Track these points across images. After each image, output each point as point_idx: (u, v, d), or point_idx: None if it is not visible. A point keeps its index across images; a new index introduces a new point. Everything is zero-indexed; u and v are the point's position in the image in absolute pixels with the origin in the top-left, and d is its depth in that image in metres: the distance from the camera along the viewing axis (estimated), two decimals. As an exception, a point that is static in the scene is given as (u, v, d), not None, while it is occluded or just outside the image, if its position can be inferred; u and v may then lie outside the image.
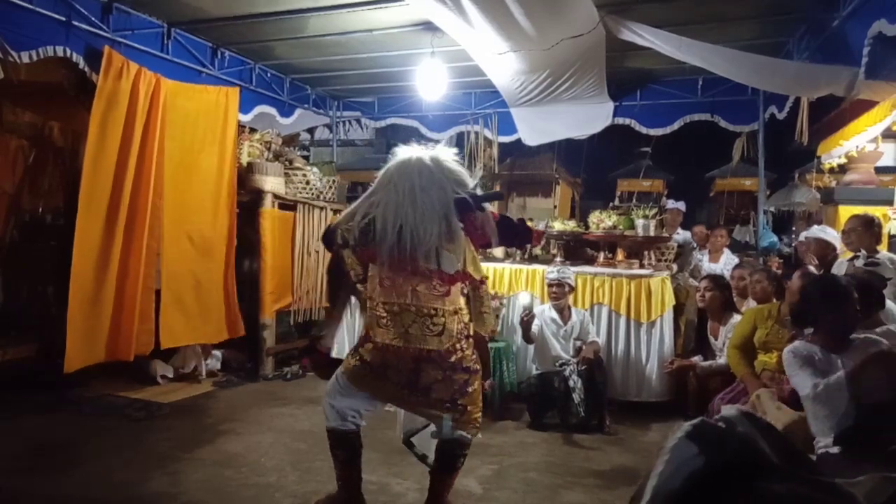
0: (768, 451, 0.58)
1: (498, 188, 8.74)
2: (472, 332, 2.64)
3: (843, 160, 6.67)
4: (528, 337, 4.65)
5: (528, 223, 3.43)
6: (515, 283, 5.38)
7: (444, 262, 2.50)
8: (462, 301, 2.61)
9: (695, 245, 6.44)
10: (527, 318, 4.52)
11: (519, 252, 5.81)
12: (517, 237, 3.08)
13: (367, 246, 2.54)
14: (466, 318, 2.63)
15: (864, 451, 2.24)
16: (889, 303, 3.35)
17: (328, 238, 2.70)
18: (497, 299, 5.12)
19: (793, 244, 7.83)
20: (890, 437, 2.21)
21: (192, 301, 5.37)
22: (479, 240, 2.66)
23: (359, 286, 2.64)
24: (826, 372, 2.54)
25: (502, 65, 5.48)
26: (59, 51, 4.48)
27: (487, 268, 5.55)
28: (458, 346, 2.55)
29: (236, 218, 5.74)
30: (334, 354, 3.05)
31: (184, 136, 5.28)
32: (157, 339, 5.08)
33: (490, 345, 4.77)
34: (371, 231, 2.50)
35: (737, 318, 4.33)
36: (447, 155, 2.63)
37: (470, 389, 2.62)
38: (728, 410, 0.64)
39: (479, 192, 2.64)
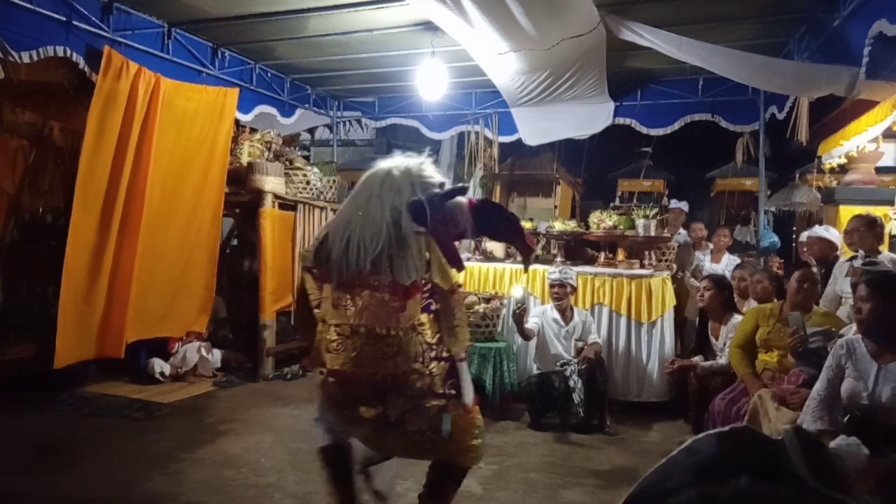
0: (793, 458, 0.55)
1: (498, 189, 8.72)
2: (443, 354, 2.29)
3: (844, 160, 6.65)
4: (522, 331, 4.60)
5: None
6: (517, 283, 5.37)
7: (397, 272, 2.20)
8: (425, 316, 2.28)
9: (689, 242, 6.42)
10: (519, 311, 4.48)
11: (521, 259, 5.79)
12: (505, 229, 2.66)
13: (321, 266, 2.34)
14: (430, 337, 2.27)
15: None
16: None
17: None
18: (497, 299, 5.11)
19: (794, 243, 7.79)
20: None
21: (165, 297, 5.33)
22: (451, 235, 2.35)
23: (316, 311, 2.39)
24: (861, 373, 2.51)
25: (503, 65, 5.48)
26: (60, 51, 4.48)
27: (488, 268, 5.56)
28: (423, 370, 2.23)
29: (222, 217, 5.75)
30: None
31: (179, 134, 5.28)
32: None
33: (490, 345, 4.85)
34: (324, 249, 2.31)
35: (737, 318, 4.32)
36: (422, 162, 2.38)
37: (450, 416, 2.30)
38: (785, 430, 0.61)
39: (446, 187, 2.36)
